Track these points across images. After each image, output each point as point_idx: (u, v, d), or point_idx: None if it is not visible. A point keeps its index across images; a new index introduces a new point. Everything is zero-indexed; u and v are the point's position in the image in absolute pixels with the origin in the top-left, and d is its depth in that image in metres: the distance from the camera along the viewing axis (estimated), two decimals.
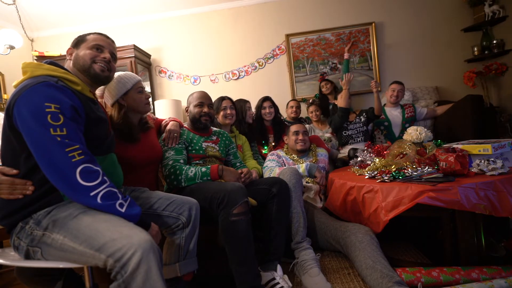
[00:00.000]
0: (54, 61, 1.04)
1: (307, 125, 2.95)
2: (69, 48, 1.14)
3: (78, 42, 1.13)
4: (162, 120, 1.72)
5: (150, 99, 3.65)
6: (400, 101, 2.76)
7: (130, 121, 1.40)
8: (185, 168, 1.49)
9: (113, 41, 1.20)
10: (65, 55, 1.15)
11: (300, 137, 2.09)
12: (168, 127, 1.60)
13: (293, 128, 2.14)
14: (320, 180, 1.96)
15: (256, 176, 1.76)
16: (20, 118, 0.88)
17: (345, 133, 2.65)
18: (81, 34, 1.16)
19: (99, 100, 1.33)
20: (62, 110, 0.90)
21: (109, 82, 1.22)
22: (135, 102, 1.41)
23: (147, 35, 3.67)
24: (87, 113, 1.00)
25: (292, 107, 2.95)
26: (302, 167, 1.96)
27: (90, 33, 1.15)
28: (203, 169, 1.49)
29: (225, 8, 3.59)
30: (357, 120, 2.68)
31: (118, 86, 1.38)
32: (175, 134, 1.58)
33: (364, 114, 2.68)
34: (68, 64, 1.12)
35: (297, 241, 1.50)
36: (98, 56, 1.11)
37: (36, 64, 1.00)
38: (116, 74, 1.39)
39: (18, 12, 3.18)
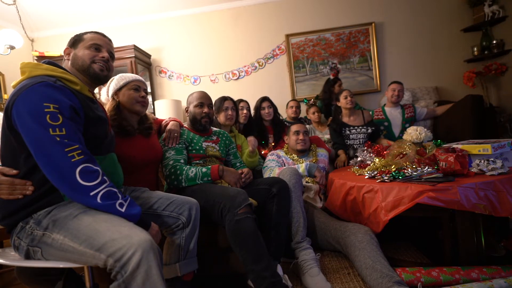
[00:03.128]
0: (52, 61, 1.04)
1: (307, 126, 2.94)
2: (66, 48, 1.13)
3: (76, 41, 1.12)
4: (162, 120, 1.72)
5: (150, 99, 3.67)
6: (400, 101, 2.75)
7: (123, 116, 1.43)
8: (186, 168, 1.49)
9: (110, 40, 1.19)
10: None
11: (301, 137, 2.09)
12: (168, 127, 1.60)
13: (294, 128, 2.14)
14: (320, 180, 1.96)
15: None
16: (19, 119, 0.88)
17: (346, 142, 2.56)
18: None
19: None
20: (61, 110, 0.90)
21: (108, 81, 1.23)
22: (124, 97, 1.42)
23: (147, 35, 3.67)
24: (86, 112, 1.00)
25: (292, 107, 2.94)
26: (302, 167, 1.96)
27: (87, 32, 1.14)
28: (204, 169, 1.49)
29: (225, 8, 3.59)
30: (362, 130, 2.52)
31: (115, 83, 1.45)
32: (175, 134, 1.59)
33: (373, 127, 2.54)
34: (66, 64, 1.12)
35: (297, 241, 1.50)
36: (97, 56, 1.10)
37: (34, 64, 1.00)
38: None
39: (18, 12, 3.18)
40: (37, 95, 0.89)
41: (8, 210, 0.94)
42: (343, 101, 2.55)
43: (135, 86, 1.43)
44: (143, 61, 3.47)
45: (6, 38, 2.82)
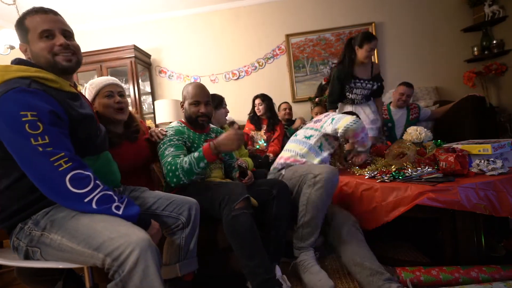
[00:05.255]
0: (23, 59, 0.95)
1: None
2: (20, 44, 0.98)
3: (22, 33, 0.97)
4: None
5: (150, 100, 3.66)
6: (406, 105, 2.66)
7: (106, 127, 1.26)
8: (179, 161, 1.37)
9: (56, 13, 1.00)
10: None
11: None
12: (150, 130, 1.56)
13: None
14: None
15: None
16: None
17: (348, 95, 2.34)
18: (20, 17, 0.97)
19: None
20: (39, 117, 0.83)
21: (80, 66, 1.05)
22: (100, 107, 1.31)
23: (147, 35, 3.68)
24: (69, 113, 0.92)
25: (285, 109, 3.06)
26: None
27: (25, 16, 0.95)
28: (195, 154, 1.36)
29: (226, 8, 3.59)
30: (368, 85, 2.29)
31: (88, 93, 1.34)
32: (155, 130, 1.54)
33: (379, 83, 2.33)
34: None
35: (302, 246, 1.48)
36: (54, 45, 0.95)
37: (3, 67, 0.89)
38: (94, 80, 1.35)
39: (18, 12, 3.18)
40: (12, 103, 0.82)
41: (6, 213, 0.94)
42: (364, 53, 2.20)
43: (107, 93, 1.31)
44: (143, 61, 3.47)
45: (6, 38, 2.81)
